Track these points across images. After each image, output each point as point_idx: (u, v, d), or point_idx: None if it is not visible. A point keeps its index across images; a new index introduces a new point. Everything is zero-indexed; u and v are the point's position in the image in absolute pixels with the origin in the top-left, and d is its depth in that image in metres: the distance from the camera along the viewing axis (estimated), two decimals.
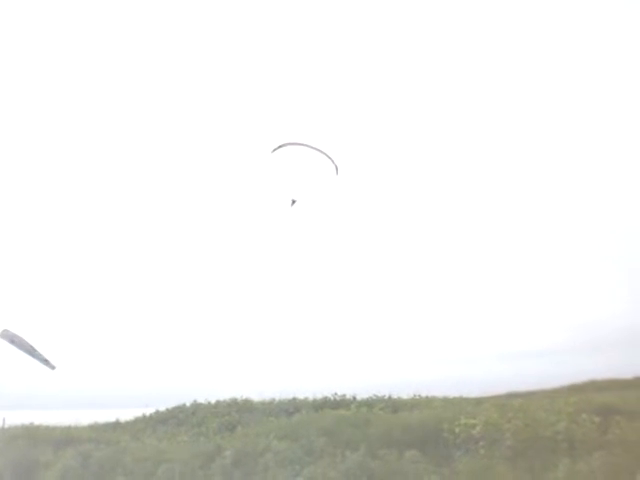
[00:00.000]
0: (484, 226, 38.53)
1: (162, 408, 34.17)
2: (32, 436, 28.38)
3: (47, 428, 30.30)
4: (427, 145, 37.92)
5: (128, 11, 39.89)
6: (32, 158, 41.97)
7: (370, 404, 29.96)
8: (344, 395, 32.02)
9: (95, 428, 31.67)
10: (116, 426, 32.71)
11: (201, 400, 34.18)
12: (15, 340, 16.31)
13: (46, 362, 17.16)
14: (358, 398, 31.86)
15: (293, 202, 14.72)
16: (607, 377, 34.52)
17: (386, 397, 31.91)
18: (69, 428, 30.47)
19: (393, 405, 30.19)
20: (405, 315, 37.54)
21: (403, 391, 32.85)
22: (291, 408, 30.58)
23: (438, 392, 33.10)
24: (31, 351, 16.58)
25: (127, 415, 34.04)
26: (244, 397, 33.61)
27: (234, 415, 30.85)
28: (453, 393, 32.99)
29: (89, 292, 38.09)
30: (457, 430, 20.78)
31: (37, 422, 31.03)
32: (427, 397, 32.51)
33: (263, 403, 32.74)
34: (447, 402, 30.35)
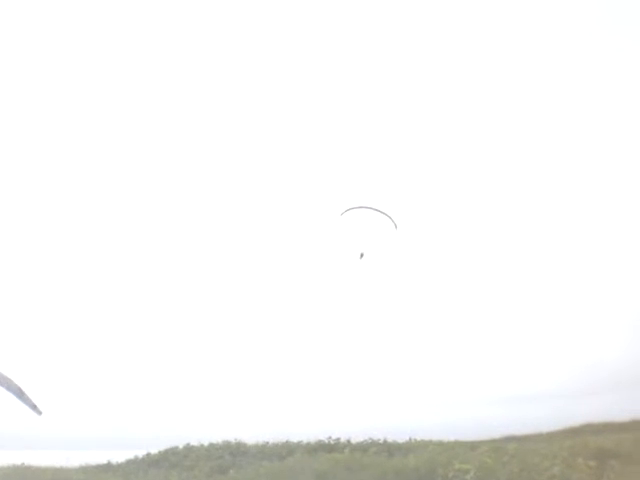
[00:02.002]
0: (480, 271, 38.48)
1: (154, 450, 33.69)
2: (23, 477, 28.04)
3: (38, 469, 29.86)
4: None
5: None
6: (28, 161, 41.97)
7: (365, 448, 29.66)
8: (338, 438, 31.75)
9: (86, 470, 31.25)
10: (107, 468, 32.23)
11: (194, 442, 33.75)
12: (2, 382, 16.07)
13: (34, 407, 16.90)
14: (353, 441, 31.60)
15: (362, 255, 18.48)
16: (603, 420, 34.31)
17: (381, 441, 31.64)
18: (60, 469, 30.10)
19: (388, 449, 29.88)
20: (401, 358, 37.34)
21: (399, 434, 32.55)
22: (284, 451, 30.24)
23: (434, 436, 32.80)
24: (19, 394, 16.32)
25: (119, 457, 33.54)
26: (237, 440, 33.24)
27: (227, 458, 30.47)
28: (449, 437, 32.65)
29: (82, 334, 37.82)
30: (450, 475, 20.58)
31: (28, 463, 30.55)
32: (422, 441, 32.21)
33: (256, 446, 32.39)
34: (442, 446, 30.03)
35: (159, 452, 33.48)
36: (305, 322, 37.82)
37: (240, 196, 41.16)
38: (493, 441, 32.36)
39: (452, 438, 32.83)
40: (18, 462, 30.47)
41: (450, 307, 37.66)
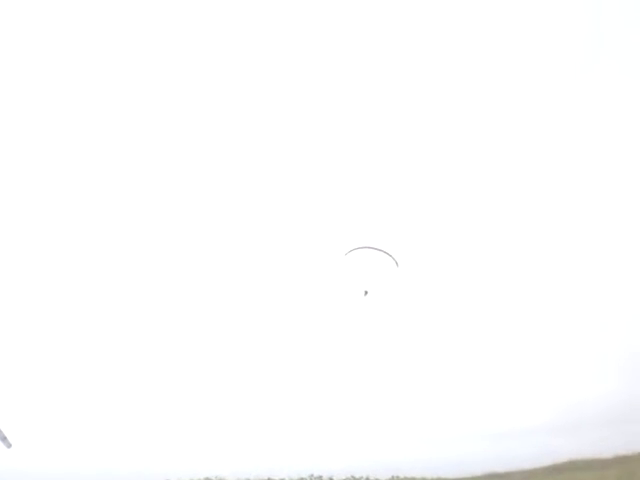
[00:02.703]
0: (468, 310, 38.76)
1: None
2: None
3: None
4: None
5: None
6: (28, 161, 41.77)
7: None
8: (321, 476, 31.51)
9: None
10: None
11: (173, 478, 33.28)
12: None
13: (4, 439, 16.55)
14: (335, 479, 31.38)
15: (366, 293, 19.71)
16: (586, 457, 34.26)
17: (364, 478, 31.44)
18: None
19: None
20: (384, 395, 37.24)
21: (382, 471, 32.33)
22: None
23: (417, 472, 32.59)
24: None
25: None
26: (218, 477, 32.83)
27: None
28: (431, 473, 32.47)
29: (53, 366, 37.43)
30: None
31: None
32: (406, 478, 32.03)
33: None
34: None
35: None
36: (299, 357, 37.88)
37: (252, 236, 41.65)
38: (475, 478, 32.25)
39: (435, 475, 32.66)
40: None
41: (438, 344, 37.71)
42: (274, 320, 38.50)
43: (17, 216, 40.62)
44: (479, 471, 33.66)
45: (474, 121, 40.19)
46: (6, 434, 16.54)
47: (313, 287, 35.43)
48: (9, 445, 16.57)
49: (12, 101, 42.89)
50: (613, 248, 37.82)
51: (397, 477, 32.13)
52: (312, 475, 31.33)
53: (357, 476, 31.51)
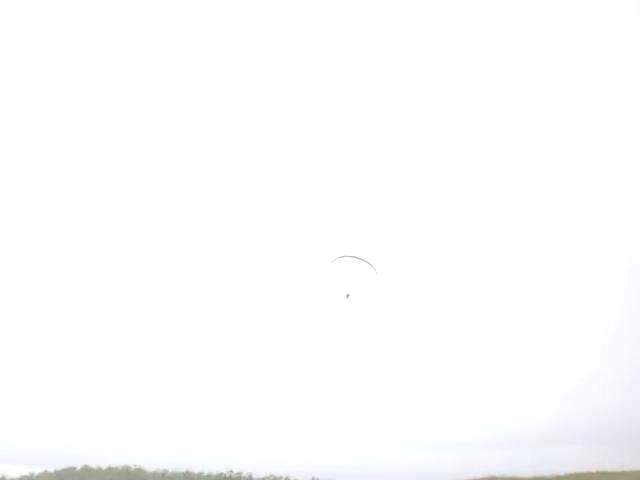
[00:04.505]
0: (415, 328, 39.47)
1: (51, 469, 32.59)
2: None
3: None
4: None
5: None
6: (28, 161, 41.52)
7: None
8: (240, 473, 31.27)
9: None
10: None
11: (92, 464, 32.78)
12: None
13: None
14: (255, 477, 31.23)
15: (347, 295, 22.18)
16: (506, 474, 34.55)
17: (283, 478, 31.37)
18: None
19: None
20: (307, 400, 37.35)
21: (302, 473, 32.23)
22: None
23: (336, 476, 32.52)
24: None
25: (13, 472, 32.35)
26: (137, 465, 32.40)
27: None
28: (349, 478, 32.42)
29: None
30: None
31: None
32: None
33: (156, 474, 31.57)
34: None
35: (56, 471, 32.38)
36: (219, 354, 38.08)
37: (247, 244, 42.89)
38: None
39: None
40: None
41: (384, 353, 38.05)
42: (264, 317, 39.19)
43: (19, 215, 40.49)
44: None
45: (452, 141, 40.80)
46: None
47: (303, 289, 36.46)
48: None
49: (12, 101, 42.53)
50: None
51: (317, 479, 32.08)
52: (232, 471, 31.11)
53: (277, 475, 31.34)
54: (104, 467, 32.41)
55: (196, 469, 31.83)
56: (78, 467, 32.33)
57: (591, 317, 41.59)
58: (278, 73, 41.72)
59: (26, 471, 32.50)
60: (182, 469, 31.76)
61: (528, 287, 42.06)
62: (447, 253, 42.83)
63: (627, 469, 35.31)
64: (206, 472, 31.48)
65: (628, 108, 39.40)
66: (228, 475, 31.02)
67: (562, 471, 35.12)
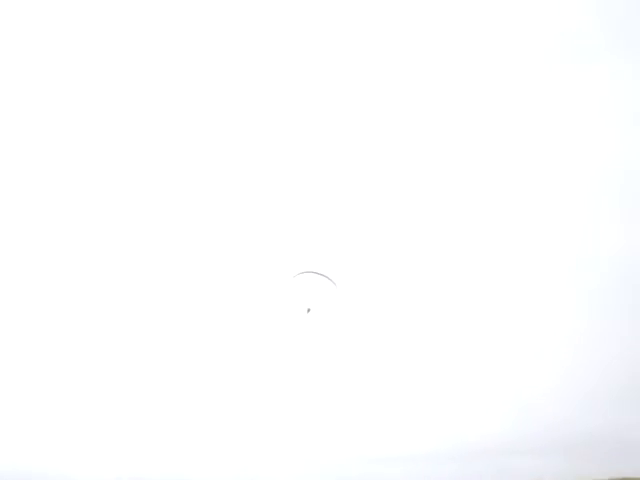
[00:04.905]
0: (379, 338, 39.72)
1: None
2: None
3: None
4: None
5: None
6: (28, 162, 41.18)
7: None
8: None
9: None
10: None
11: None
12: None
13: None
14: None
15: (308, 310, 24.42)
16: None
17: None
18: None
19: None
20: (257, 414, 37.18)
21: None
22: None
23: None
24: None
25: None
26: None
27: None
28: None
29: None
30: None
31: None
32: None
33: None
34: None
35: None
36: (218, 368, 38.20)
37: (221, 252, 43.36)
38: None
39: None
40: None
41: (339, 366, 38.12)
42: (227, 331, 39.40)
43: (17, 213, 40.35)
44: None
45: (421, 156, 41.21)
46: None
47: (265, 304, 36.79)
48: None
49: (12, 101, 42.17)
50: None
51: None
52: None
53: None
54: None
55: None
56: None
57: (548, 330, 41.87)
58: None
59: None
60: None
61: (484, 300, 42.22)
62: (404, 268, 43.23)
63: (586, 479, 35.53)
64: None
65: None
66: None
67: None
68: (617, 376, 39.53)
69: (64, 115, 43.88)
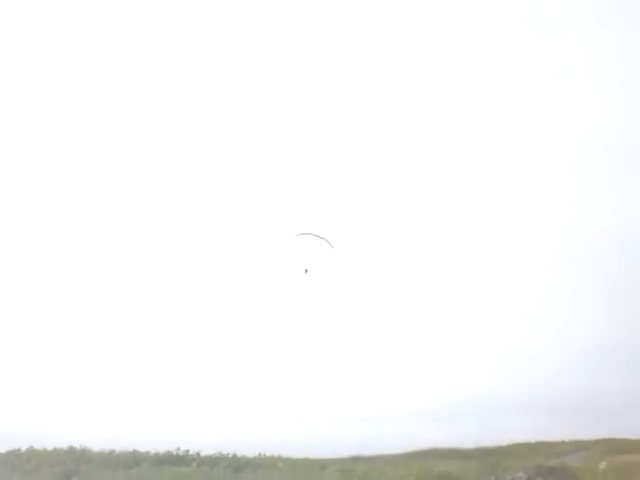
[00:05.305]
0: (359, 300, 40.16)
1: None
2: None
3: None
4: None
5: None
6: (28, 162, 41.41)
7: (213, 462, 29.27)
8: (187, 451, 31.13)
9: None
10: None
11: (38, 446, 32.17)
12: None
13: None
14: (202, 454, 31.16)
15: (306, 271, 24.10)
16: (448, 446, 35.25)
17: (230, 455, 31.41)
18: None
19: (237, 464, 29.61)
20: (253, 373, 37.57)
21: (249, 448, 32.39)
22: (131, 461, 29.32)
23: (283, 452, 32.80)
24: None
25: None
26: (82, 446, 31.92)
27: (70, 465, 29.25)
28: (298, 453, 32.71)
29: None
30: None
31: None
32: (272, 456, 32.16)
33: (102, 454, 31.20)
34: (292, 463, 30.06)
35: (0, 454, 31.83)
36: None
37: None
38: (341, 460, 32.73)
39: (301, 455, 32.91)
40: None
41: (334, 326, 38.53)
42: (220, 291, 39.90)
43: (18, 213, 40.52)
44: (345, 453, 34.21)
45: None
46: None
47: (264, 265, 37.49)
48: None
49: (12, 101, 42.11)
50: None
51: (264, 455, 32.31)
52: (179, 449, 31.07)
53: (224, 452, 31.45)
54: (49, 448, 31.96)
55: (143, 448, 31.66)
56: (23, 449, 31.84)
57: (535, 294, 42.49)
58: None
59: None
60: (129, 449, 31.55)
61: (473, 263, 42.75)
62: (398, 230, 43.78)
63: (566, 439, 36.45)
64: (153, 451, 31.37)
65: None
66: (175, 453, 30.99)
67: (503, 442, 36.07)
68: (603, 341, 40.44)
69: (63, 115, 43.98)
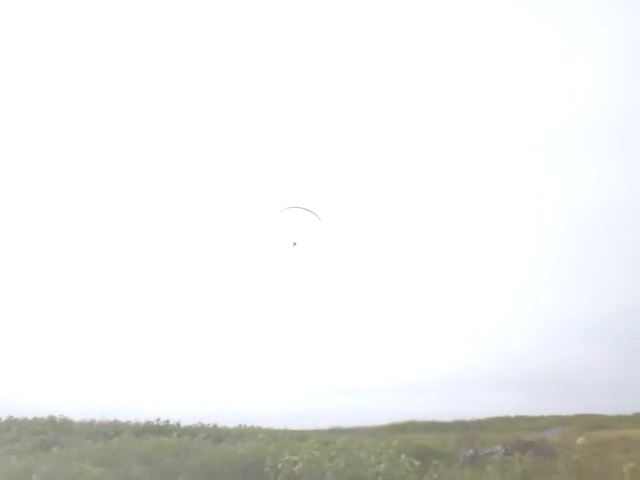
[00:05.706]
0: (338, 272, 40.81)
1: None
2: None
3: None
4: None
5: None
6: (28, 162, 41.99)
7: (193, 432, 29.25)
8: (168, 421, 31.26)
9: None
10: None
11: (17, 415, 32.09)
12: None
13: None
14: (183, 425, 31.28)
15: (294, 244, 24.39)
16: (427, 418, 35.58)
17: (211, 425, 31.58)
18: None
19: (217, 434, 29.70)
20: (235, 345, 37.86)
21: (229, 419, 32.59)
22: (111, 431, 29.21)
23: (263, 423, 33.05)
24: None
25: None
26: (63, 416, 31.91)
27: (50, 434, 29.14)
28: (278, 424, 32.99)
29: None
30: (279, 466, 20.62)
31: None
32: (252, 427, 32.37)
33: (83, 424, 31.22)
34: (272, 434, 30.17)
35: None
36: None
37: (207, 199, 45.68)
38: (321, 432, 32.97)
39: (282, 426, 33.19)
40: None
41: (317, 299, 38.97)
42: (208, 262, 40.74)
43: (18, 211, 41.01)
44: (324, 425, 34.50)
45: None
46: None
47: (253, 238, 38.29)
48: None
49: (12, 102, 42.20)
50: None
51: (244, 425, 32.49)
52: (159, 419, 31.14)
53: (205, 422, 31.59)
54: (29, 418, 31.89)
55: (123, 418, 31.73)
56: (3, 418, 31.72)
57: (513, 266, 42.88)
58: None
59: None
60: (109, 418, 31.58)
61: (453, 238, 43.25)
62: (385, 205, 44.95)
63: (545, 414, 36.92)
64: (134, 421, 31.43)
65: None
66: (156, 424, 31.05)
67: (482, 415, 36.50)
68: (584, 317, 40.99)
69: (64, 115, 44.23)
